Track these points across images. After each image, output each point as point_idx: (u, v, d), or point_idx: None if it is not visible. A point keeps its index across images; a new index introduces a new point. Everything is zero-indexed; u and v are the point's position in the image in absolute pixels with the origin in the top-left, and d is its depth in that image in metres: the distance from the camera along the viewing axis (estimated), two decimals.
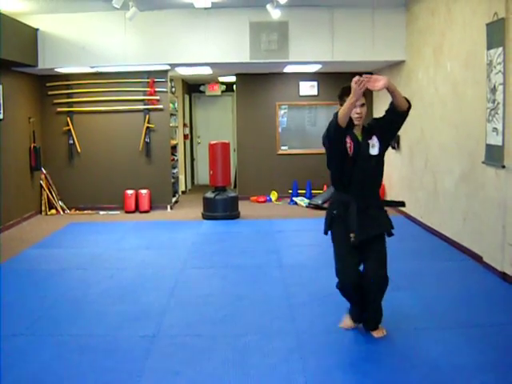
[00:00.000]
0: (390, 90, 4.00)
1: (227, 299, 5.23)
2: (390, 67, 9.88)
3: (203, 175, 13.74)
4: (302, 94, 11.37)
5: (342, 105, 4.03)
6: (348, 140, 4.00)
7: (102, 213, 10.20)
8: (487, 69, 5.86)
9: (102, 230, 8.70)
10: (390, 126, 4.15)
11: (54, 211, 10.14)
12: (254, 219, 9.32)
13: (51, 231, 8.53)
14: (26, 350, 4.10)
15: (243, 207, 9.96)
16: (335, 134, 3.92)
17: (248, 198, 11.25)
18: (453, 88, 7.01)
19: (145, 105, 10.26)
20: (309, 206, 10.43)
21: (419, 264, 6.35)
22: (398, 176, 9.58)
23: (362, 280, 4.10)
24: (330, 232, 4.24)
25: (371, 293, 4.11)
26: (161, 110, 10.28)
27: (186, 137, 13.15)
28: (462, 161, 6.77)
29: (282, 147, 11.50)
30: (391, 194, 10.08)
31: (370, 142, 4.07)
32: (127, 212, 10.19)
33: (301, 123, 11.53)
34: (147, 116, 10.23)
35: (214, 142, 9.68)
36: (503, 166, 5.56)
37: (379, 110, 10.77)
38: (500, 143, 5.60)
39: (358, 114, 4.00)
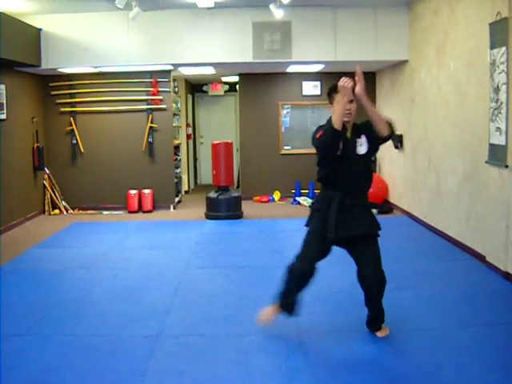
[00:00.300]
0: (363, 101, 3.89)
1: (230, 299, 5.24)
2: (392, 67, 9.88)
3: (206, 175, 13.76)
4: (304, 93, 11.36)
5: (331, 103, 4.03)
6: None
7: (105, 213, 10.21)
8: (490, 68, 5.86)
9: (105, 229, 8.71)
10: (374, 140, 4.07)
11: (57, 211, 10.16)
12: (257, 219, 9.32)
13: (54, 231, 8.54)
14: (30, 349, 4.11)
15: (246, 207, 9.96)
16: (333, 138, 3.86)
17: (251, 198, 11.25)
18: (456, 88, 7.00)
19: (148, 105, 10.26)
20: (312, 205, 10.41)
21: (422, 264, 6.34)
22: (401, 175, 9.57)
23: (360, 283, 4.10)
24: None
25: (372, 295, 4.12)
26: (164, 109, 10.28)
27: (188, 137, 13.15)
28: (465, 160, 6.76)
29: (285, 147, 11.50)
30: (394, 194, 10.07)
31: (358, 140, 4.02)
32: (130, 212, 10.19)
33: (304, 123, 11.51)
34: (150, 116, 10.24)
35: (217, 141, 9.68)
36: (506, 166, 5.55)
37: (381, 110, 10.77)
38: (503, 143, 5.59)
39: (347, 110, 3.94)
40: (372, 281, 4.05)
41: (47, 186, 10.11)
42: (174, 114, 10.96)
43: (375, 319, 4.25)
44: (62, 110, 10.24)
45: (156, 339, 4.29)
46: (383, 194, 10.32)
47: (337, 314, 4.69)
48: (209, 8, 8.81)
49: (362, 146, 4.03)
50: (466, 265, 6.28)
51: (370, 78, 11.18)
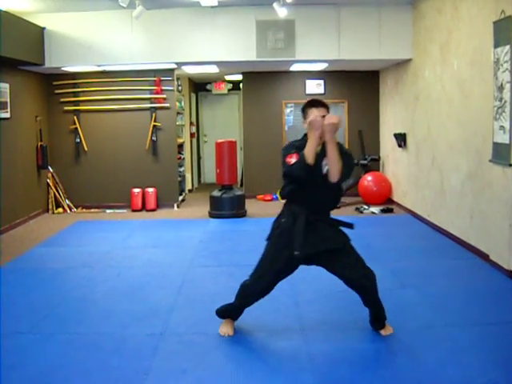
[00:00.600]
0: (327, 137, 3.79)
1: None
2: (396, 65, 9.86)
3: (210, 174, 13.75)
4: (308, 92, 11.33)
5: (305, 118, 3.94)
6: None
7: (108, 211, 10.22)
8: (494, 67, 5.85)
9: (108, 228, 8.72)
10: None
11: (60, 210, 10.17)
12: (261, 217, 9.31)
13: (58, 230, 8.56)
14: (33, 348, 4.12)
15: (250, 205, 9.97)
16: (306, 172, 3.79)
17: (255, 197, 11.25)
18: (459, 86, 6.99)
19: (151, 103, 10.27)
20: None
21: (426, 262, 6.33)
22: (405, 174, 9.57)
23: (353, 288, 4.10)
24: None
25: (368, 294, 4.12)
26: (167, 108, 10.29)
27: (192, 135, 13.16)
28: (468, 159, 6.75)
29: None
30: (398, 192, 10.07)
31: (325, 158, 3.87)
32: (134, 210, 10.21)
33: None
34: (154, 114, 10.25)
35: (221, 140, 9.68)
36: (510, 165, 5.54)
37: (383, 110, 10.77)
38: (507, 141, 5.58)
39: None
40: (363, 281, 4.04)
41: (51, 184, 10.13)
42: (178, 113, 10.96)
43: (377, 317, 4.25)
44: (66, 108, 10.25)
45: (159, 337, 4.29)
46: (387, 193, 10.32)
47: (340, 312, 4.69)
48: (212, 6, 8.81)
49: (328, 166, 3.89)
50: (469, 263, 6.27)
51: (374, 77, 11.18)
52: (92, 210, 10.25)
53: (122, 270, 6.23)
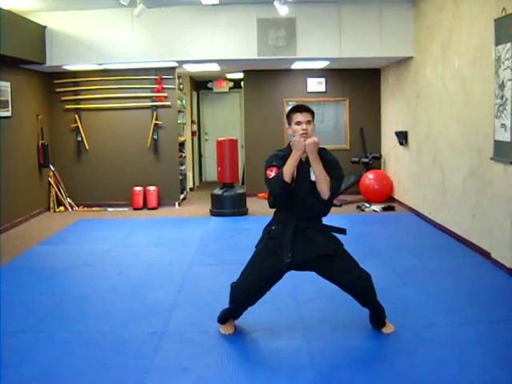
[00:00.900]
0: (311, 157, 3.79)
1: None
2: (397, 63, 9.85)
3: (211, 172, 13.76)
4: (309, 90, 11.34)
5: (290, 124, 3.95)
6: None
7: (110, 210, 10.23)
8: (495, 65, 5.84)
9: (110, 226, 8.72)
10: (325, 169, 3.90)
11: (62, 208, 10.18)
12: (262, 216, 9.25)
13: (59, 228, 8.56)
14: (34, 347, 4.12)
15: (251, 204, 9.97)
16: (282, 189, 3.79)
17: (256, 195, 11.23)
18: (461, 84, 6.98)
19: (152, 102, 10.27)
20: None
21: (427, 261, 6.33)
22: (407, 172, 9.56)
23: (349, 292, 4.11)
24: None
25: (366, 295, 4.12)
26: (168, 106, 10.29)
27: (193, 133, 13.16)
28: (470, 157, 6.74)
29: None
30: (399, 191, 10.07)
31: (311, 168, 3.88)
32: (135, 209, 10.21)
33: None
34: (155, 113, 10.25)
35: (222, 138, 9.69)
36: (511, 163, 5.53)
37: (384, 108, 10.76)
38: (508, 139, 5.57)
39: (303, 130, 3.86)
40: (359, 282, 4.03)
41: (52, 183, 10.13)
42: (179, 111, 10.96)
43: (377, 317, 4.24)
44: (67, 107, 10.25)
45: (161, 336, 4.29)
46: (388, 191, 10.32)
47: (341, 311, 4.69)
48: (213, 5, 8.81)
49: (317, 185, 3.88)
50: (471, 262, 6.26)
51: (375, 75, 11.17)
52: (93, 209, 10.26)
53: (123, 269, 6.23)
